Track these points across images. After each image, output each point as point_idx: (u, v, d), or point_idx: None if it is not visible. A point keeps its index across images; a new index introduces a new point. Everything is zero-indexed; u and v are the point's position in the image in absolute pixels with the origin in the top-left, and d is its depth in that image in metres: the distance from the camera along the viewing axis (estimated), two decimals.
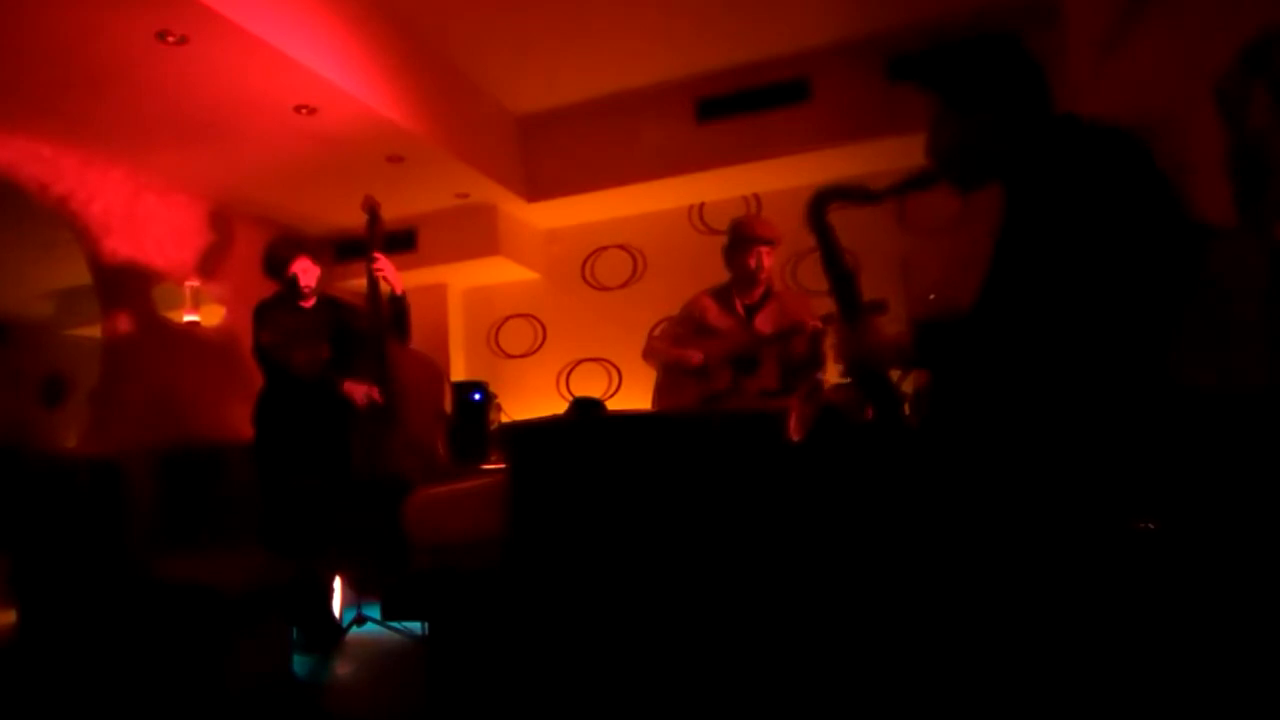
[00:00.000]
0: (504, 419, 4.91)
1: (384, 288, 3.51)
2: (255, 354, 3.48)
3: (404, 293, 3.58)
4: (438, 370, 3.77)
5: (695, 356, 3.24)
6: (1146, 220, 1.40)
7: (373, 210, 3.50)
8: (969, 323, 1.52)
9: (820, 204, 1.78)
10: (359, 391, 3.33)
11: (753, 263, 3.19)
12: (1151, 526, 1.35)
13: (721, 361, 3.23)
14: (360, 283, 3.67)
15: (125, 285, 4.12)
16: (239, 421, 3.58)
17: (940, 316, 1.66)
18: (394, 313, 3.56)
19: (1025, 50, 1.63)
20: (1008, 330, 1.45)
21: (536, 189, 4.92)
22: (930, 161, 1.71)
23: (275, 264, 3.52)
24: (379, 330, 3.45)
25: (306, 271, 3.52)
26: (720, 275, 3.40)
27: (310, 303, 3.57)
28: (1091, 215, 1.39)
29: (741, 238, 3.23)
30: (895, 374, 1.70)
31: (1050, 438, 1.40)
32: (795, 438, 1.76)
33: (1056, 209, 1.42)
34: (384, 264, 3.47)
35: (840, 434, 1.74)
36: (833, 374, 2.16)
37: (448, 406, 3.73)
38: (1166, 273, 1.42)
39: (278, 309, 3.52)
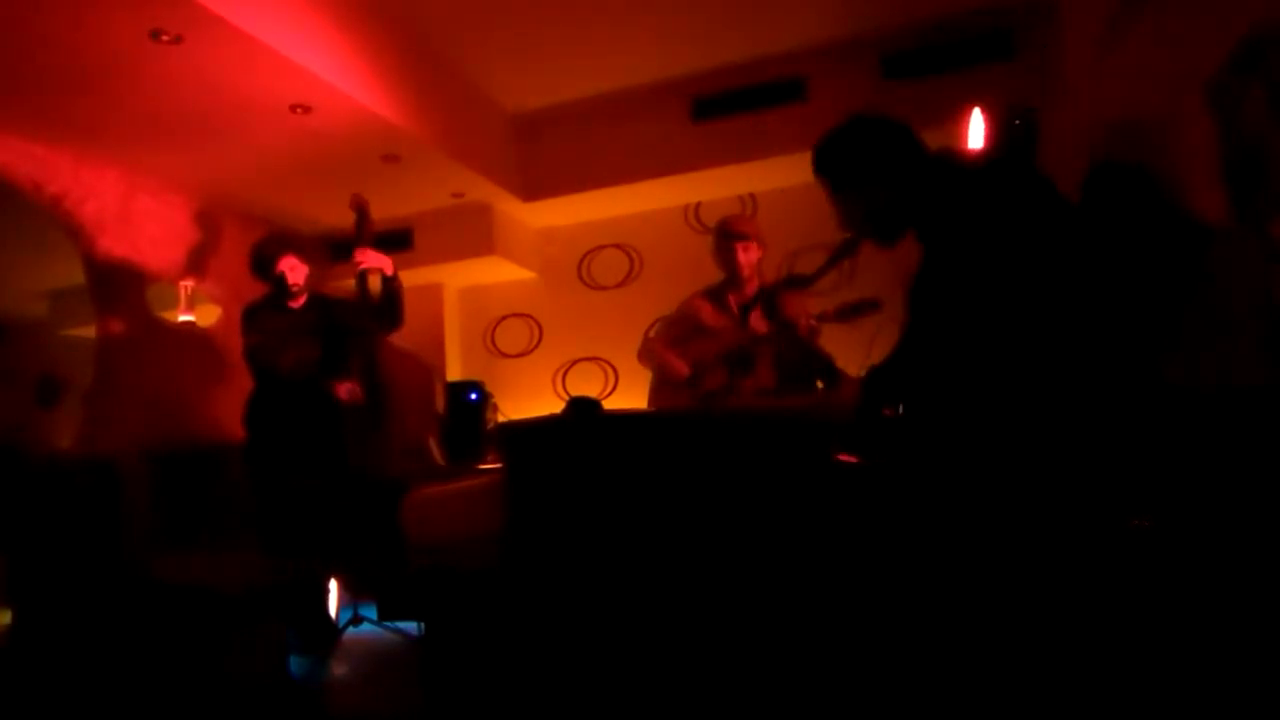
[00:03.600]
0: (500, 419, 4.90)
1: (374, 280, 3.49)
2: (245, 356, 3.47)
3: (396, 274, 3.54)
4: (429, 370, 3.76)
5: (681, 372, 3.26)
6: (1039, 222, 1.59)
7: (361, 208, 3.48)
8: (903, 343, 1.73)
9: (770, 302, 1.99)
10: (343, 388, 3.31)
11: (736, 258, 3.21)
12: (1146, 524, 1.35)
13: (717, 360, 3.23)
14: (352, 281, 3.65)
15: (120, 285, 4.11)
16: (234, 421, 3.57)
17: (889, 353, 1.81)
18: (386, 294, 3.52)
19: (881, 120, 1.89)
20: (939, 341, 1.63)
21: (532, 188, 4.92)
22: (848, 232, 1.98)
23: (262, 263, 3.50)
24: (366, 329, 3.43)
25: (294, 270, 3.49)
26: (716, 274, 3.40)
27: (300, 302, 3.54)
28: (991, 233, 1.58)
29: (720, 235, 3.27)
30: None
31: (1049, 437, 1.40)
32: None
33: (959, 232, 1.63)
34: (368, 254, 3.44)
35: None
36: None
37: (441, 406, 3.72)
38: (1141, 251, 1.51)
39: (266, 310, 3.50)
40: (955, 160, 1.84)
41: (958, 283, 1.58)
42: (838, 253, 2.04)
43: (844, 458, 1.83)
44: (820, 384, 2.83)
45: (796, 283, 2.07)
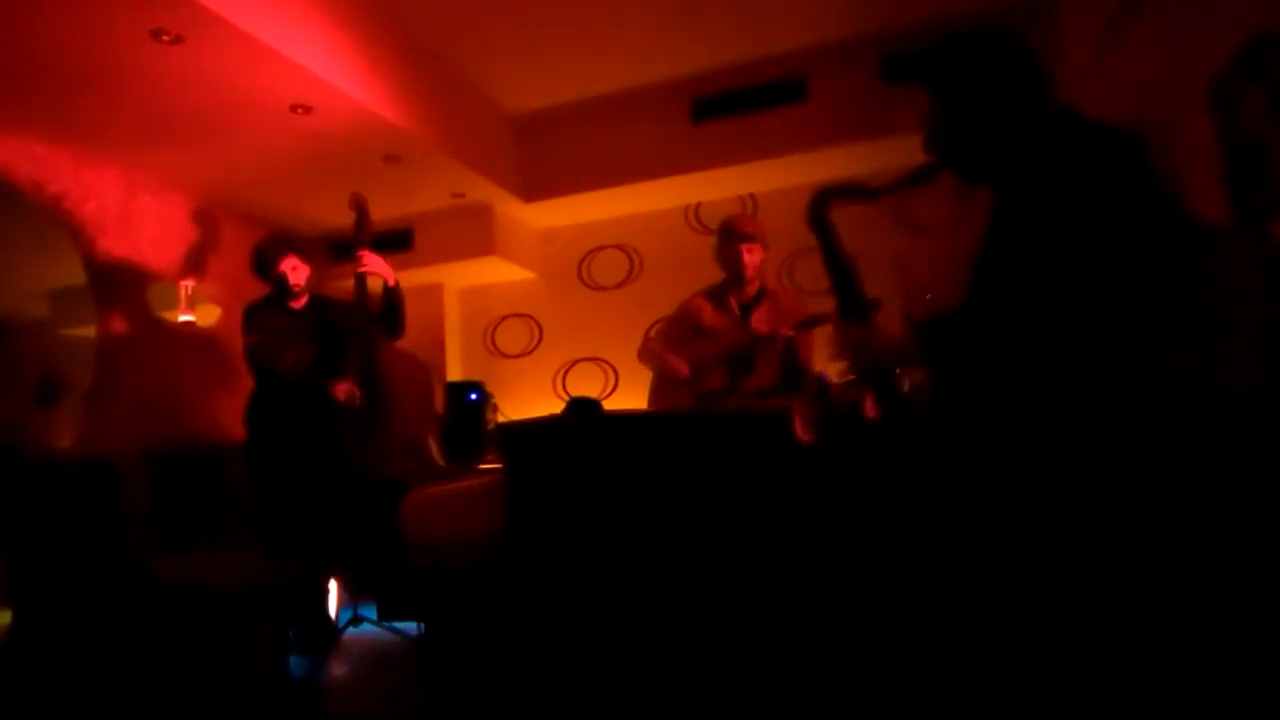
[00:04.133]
0: (500, 419, 4.90)
1: (375, 283, 3.49)
2: (245, 356, 3.46)
3: (397, 283, 3.54)
4: (428, 370, 3.76)
5: (682, 370, 3.26)
6: (1136, 218, 1.41)
7: (360, 208, 3.47)
8: (961, 319, 1.53)
9: (821, 203, 1.78)
10: (341, 389, 3.31)
11: (741, 259, 3.21)
12: (1146, 527, 1.35)
13: (717, 361, 3.23)
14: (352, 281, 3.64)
15: (120, 285, 4.11)
16: (234, 421, 3.57)
17: (936, 315, 1.66)
18: (387, 304, 3.52)
19: (1021, 43, 1.64)
20: (995, 326, 1.46)
21: (533, 189, 4.92)
22: (930, 156, 1.71)
23: (263, 263, 3.50)
24: (366, 329, 3.43)
25: (295, 270, 3.49)
26: (717, 275, 3.40)
27: (301, 302, 3.54)
28: (1081, 212, 1.40)
29: (725, 235, 3.27)
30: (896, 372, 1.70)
31: (1049, 437, 1.40)
32: (804, 438, 1.76)
33: (1046, 206, 1.44)
34: (371, 260, 3.43)
35: (845, 432, 1.74)
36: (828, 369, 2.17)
37: (440, 407, 3.71)
38: (1158, 272, 1.43)
39: (267, 310, 3.50)
40: (1078, 120, 1.57)
41: (1031, 259, 1.42)
42: (913, 176, 1.72)
43: (800, 434, 1.75)
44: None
45: (857, 194, 1.80)
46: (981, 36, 1.66)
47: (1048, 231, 1.42)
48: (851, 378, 1.72)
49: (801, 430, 1.76)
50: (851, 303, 1.73)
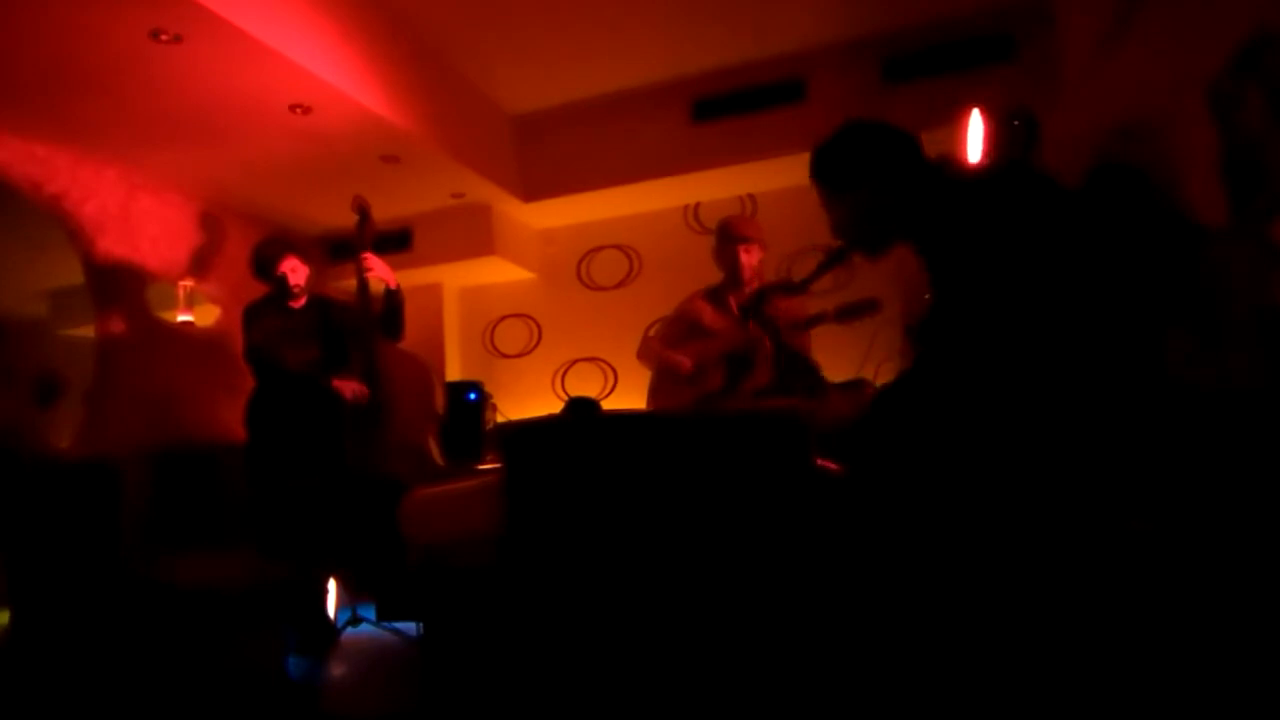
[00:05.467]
0: (499, 419, 4.90)
1: (377, 286, 3.49)
2: (246, 356, 3.47)
3: (399, 287, 3.56)
4: (429, 371, 3.76)
5: (684, 364, 3.26)
6: (1050, 225, 1.56)
7: (363, 210, 3.48)
8: (942, 323, 1.68)
9: (756, 306, 1.94)
10: (347, 387, 3.31)
11: (739, 260, 3.22)
12: (1148, 526, 1.35)
13: (716, 361, 3.23)
14: (354, 282, 3.65)
15: (119, 285, 4.11)
16: (234, 421, 3.57)
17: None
18: (388, 308, 3.53)
19: (879, 126, 1.85)
20: (981, 335, 1.56)
21: (532, 189, 4.92)
22: (838, 239, 1.95)
23: (263, 264, 3.50)
24: (368, 330, 3.44)
25: (295, 271, 3.50)
26: (716, 275, 3.41)
27: (300, 303, 3.55)
28: (989, 240, 1.56)
29: (723, 236, 3.28)
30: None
31: (1049, 438, 1.40)
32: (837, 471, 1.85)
33: (957, 246, 1.61)
34: (374, 263, 3.45)
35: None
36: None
37: (440, 407, 3.71)
38: (1139, 253, 1.49)
39: (267, 310, 3.50)
40: (952, 169, 1.81)
41: (961, 299, 1.56)
42: (828, 260, 2.01)
43: (825, 464, 1.83)
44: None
45: (788, 289, 2.06)
46: (842, 134, 1.87)
47: (966, 269, 1.59)
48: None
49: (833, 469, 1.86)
50: (805, 384, 1.94)
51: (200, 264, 4.52)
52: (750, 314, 3.20)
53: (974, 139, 2.99)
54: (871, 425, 1.77)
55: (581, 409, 2.29)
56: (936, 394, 1.60)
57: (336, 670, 3.08)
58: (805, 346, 3.18)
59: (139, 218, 4.19)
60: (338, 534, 3.27)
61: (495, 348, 5.55)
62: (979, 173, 1.74)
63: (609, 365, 5.19)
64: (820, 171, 1.91)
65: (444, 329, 5.41)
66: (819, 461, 1.83)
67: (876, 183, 1.80)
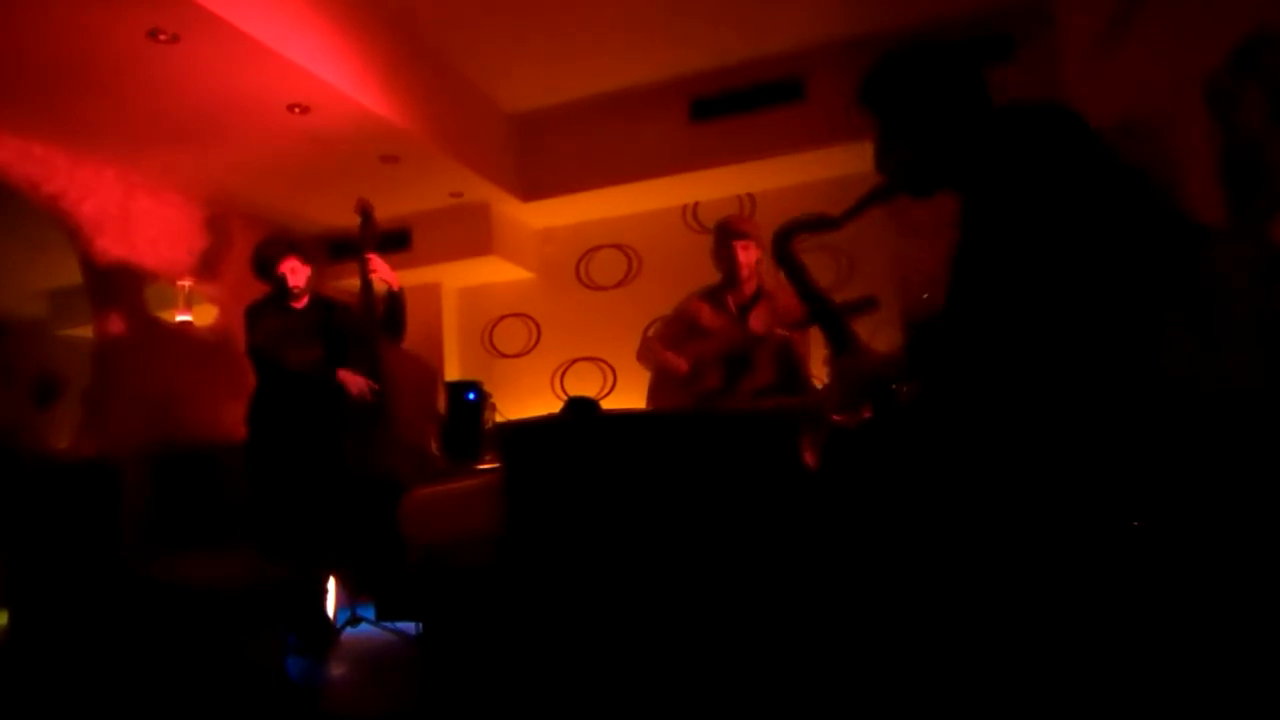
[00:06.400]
0: (499, 419, 4.90)
1: (380, 287, 3.50)
2: (248, 355, 3.47)
3: (401, 288, 3.57)
4: (431, 371, 3.76)
5: (681, 366, 3.26)
6: (1098, 194, 1.43)
7: (366, 212, 3.49)
8: (942, 324, 1.55)
9: (784, 240, 1.82)
10: (354, 382, 3.32)
11: (736, 257, 3.22)
12: (1146, 524, 1.35)
13: (715, 360, 3.23)
14: (354, 282, 3.66)
15: (118, 285, 4.11)
16: (233, 421, 3.57)
17: (932, 316, 1.68)
18: (390, 309, 3.54)
19: (954, 55, 1.67)
20: (976, 327, 1.48)
21: (531, 188, 4.92)
22: (884, 174, 1.74)
23: (264, 264, 3.50)
24: (372, 331, 3.44)
25: (295, 271, 3.50)
26: (714, 274, 3.40)
27: (301, 303, 3.55)
28: (1038, 201, 1.41)
29: (720, 234, 3.28)
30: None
31: (1048, 437, 1.40)
32: (813, 465, 1.78)
33: (1005, 201, 1.45)
34: (378, 264, 3.46)
35: (852, 451, 1.76)
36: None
37: (441, 407, 3.72)
38: (1140, 251, 1.44)
39: (268, 310, 3.50)
40: (1013, 113, 1.57)
41: (1001, 252, 1.43)
42: (871, 195, 1.75)
43: (837, 418, 1.79)
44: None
45: (823, 224, 1.82)
46: (916, 55, 1.67)
47: (1013, 225, 1.43)
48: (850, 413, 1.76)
49: (810, 459, 1.78)
50: (836, 335, 1.77)
51: (199, 264, 4.52)
52: (754, 315, 3.21)
53: None
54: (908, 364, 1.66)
55: (581, 409, 2.29)
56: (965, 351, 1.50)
57: (336, 670, 3.08)
58: (805, 345, 3.18)
59: (137, 217, 4.19)
60: (338, 534, 3.27)
61: (494, 347, 5.55)
62: (1044, 110, 1.53)
63: (608, 365, 5.19)
64: (874, 97, 1.69)
65: (443, 329, 5.41)
66: (833, 416, 1.78)
67: (934, 119, 1.62)
